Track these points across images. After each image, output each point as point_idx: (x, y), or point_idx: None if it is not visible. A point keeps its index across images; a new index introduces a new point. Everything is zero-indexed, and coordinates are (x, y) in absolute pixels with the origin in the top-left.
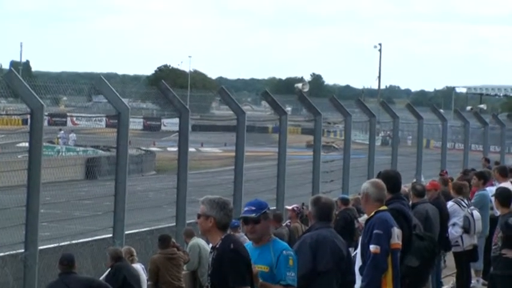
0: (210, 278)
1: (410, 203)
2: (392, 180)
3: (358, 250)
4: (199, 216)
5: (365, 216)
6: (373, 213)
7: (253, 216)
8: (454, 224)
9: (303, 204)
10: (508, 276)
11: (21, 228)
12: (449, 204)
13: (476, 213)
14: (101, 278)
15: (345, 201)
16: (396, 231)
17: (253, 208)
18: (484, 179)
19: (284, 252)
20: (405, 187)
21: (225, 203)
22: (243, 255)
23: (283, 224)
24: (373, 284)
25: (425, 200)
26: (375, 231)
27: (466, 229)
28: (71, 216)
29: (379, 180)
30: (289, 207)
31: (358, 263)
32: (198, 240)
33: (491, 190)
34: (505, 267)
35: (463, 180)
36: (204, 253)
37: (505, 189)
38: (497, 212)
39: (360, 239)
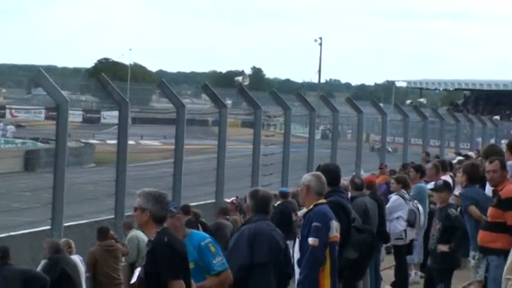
0: (144, 271)
1: (349, 196)
2: (332, 173)
3: (297, 243)
4: (135, 209)
5: (304, 209)
6: (312, 206)
7: None
8: (398, 218)
9: (237, 197)
10: (445, 269)
11: None
12: (394, 197)
13: (420, 207)
14: (38, 269)
15: (283, 195)
16: (335, 224)
17: None
18: (421, 172)
19: (202, 243)
20: (344, 180)
21: (162, 196)
22: (178, 249)
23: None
24: (311, 277)
25: (364, 193)
26: (313, 224)
27: (411, 223)
28: (9, 208)
29: (321, 174)
30: (229, 200)
31: (297, 255)
32: (137, 233)
33: (431, 184)
34: (442, 261)
35: (403, 173)
36: (143, 245)
37: (445, 182)
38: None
39: (299, 231)
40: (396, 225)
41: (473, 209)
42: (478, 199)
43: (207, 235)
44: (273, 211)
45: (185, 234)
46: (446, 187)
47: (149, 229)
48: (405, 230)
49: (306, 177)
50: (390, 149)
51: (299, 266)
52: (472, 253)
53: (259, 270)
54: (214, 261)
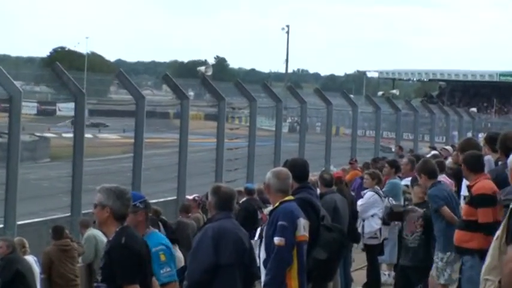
0: (101, 272)
1: (318, 192)
2: (299, 168)
3: (263, 242)
4: (95, 205)
5: (270, 207)
6: (277, 204)
7: None
8: (373, 215)
9: (196, 196)
10: (420, 268)
11: None
12: (369, 194)
13: None
14: None
15: (249, 191)
16: (302, 222)
17: None
18: (396, 167)
19: (153, 249)
20: (313, 176)
21: (122, 192)
22: (135, 251)
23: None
24: (277, 278)
25: (334, 190)
26: (279, 223)
27: (386, 220)
28: None
29: (283, 170)
30: (190, 197)
31: (263, 255)
32: (94, 231)
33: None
34: (416, 258)
35: (374, 168)
36: (101, 245)
37: None
38: None
39: (264, 230)
40: (371, 224)
41: (446, 210)
42: (448, 198)
43: (163, 241)
44: (237, 208)
45: (144, 233)
46: None
47: (109, 227)
48: (380, 229)
49: (267, 175)
50: (393, 148)
51: (265, 266)
52: (439, 255)
53: (224, 271)
54: (162, 271)
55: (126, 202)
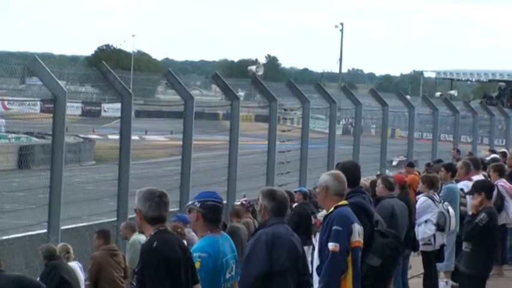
0: (135, 277)
1: (376, 196)
2: (348, 172)
3: (316, 248)
4: (135, 210)
5: (323, 212)
6: (332, 209)
7: None
8: (426, 221)
9: (244, 195)
10: (475, 277)
11: None
12: (422, 199)
13: (451, 210)
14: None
15: (304, 195)
16: (357, 228)
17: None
18: (453, 171)
19: (194, 254)
20: (365, 181)
21: (152, 194)
22: (164, 256)
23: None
24: (331, 285)
25: (393, 194)
26: (333, 228)
27: (441, 226)
28: (1, 210)
29: (340, 172)
30: (238, 202)
31: (316, 262)
32: (139, 236)
33: (466, 185)
34: (475, 266)
35: (428, 173)
36: None
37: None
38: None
39: (318, 236)
40: (424, 230)
41: None
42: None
43: (202, 249)
44: (290, 213)
45: (203, 236)
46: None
47: (146, 231)
48: (434, 235)
49: (323, 177)
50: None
51: (318, 273)
52: None
53: (278, 278)
54: None
55: (153, 205)
